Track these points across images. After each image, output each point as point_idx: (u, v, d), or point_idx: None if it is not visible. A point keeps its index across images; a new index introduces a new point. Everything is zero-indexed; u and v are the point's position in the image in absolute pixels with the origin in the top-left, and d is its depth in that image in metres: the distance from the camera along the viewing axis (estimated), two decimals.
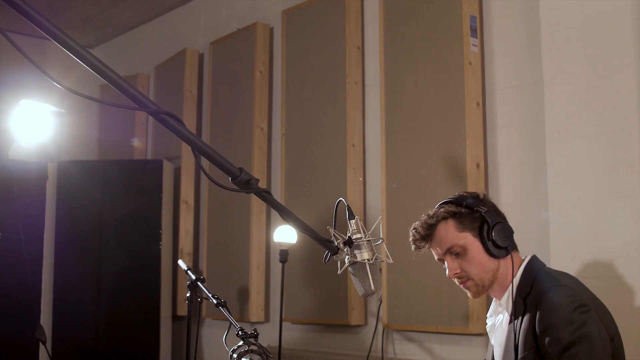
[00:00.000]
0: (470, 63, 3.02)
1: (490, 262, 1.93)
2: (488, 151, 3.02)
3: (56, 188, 4.47)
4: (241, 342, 2.50)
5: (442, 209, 1.98)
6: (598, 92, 2.54)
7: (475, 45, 3.04)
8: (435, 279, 3.05)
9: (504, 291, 1.94)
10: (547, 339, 1.76)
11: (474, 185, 2.94)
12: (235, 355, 2.48)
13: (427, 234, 2.01)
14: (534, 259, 1.96)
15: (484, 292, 1.98)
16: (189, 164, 4.67)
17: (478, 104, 3.02)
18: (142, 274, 4.45)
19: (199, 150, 1.61)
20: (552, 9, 2.69)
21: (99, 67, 1.42)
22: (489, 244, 1.91)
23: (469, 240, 1.94)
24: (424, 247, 2.03)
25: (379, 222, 1.74)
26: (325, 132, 3.69)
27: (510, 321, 1.89)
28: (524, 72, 2.93)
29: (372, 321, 3.40)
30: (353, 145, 3.55)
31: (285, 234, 3.18)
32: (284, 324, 3.42)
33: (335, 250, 2.01)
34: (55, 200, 4.46)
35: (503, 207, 2.89)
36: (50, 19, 1.32)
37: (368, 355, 3.29)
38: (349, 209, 2.01)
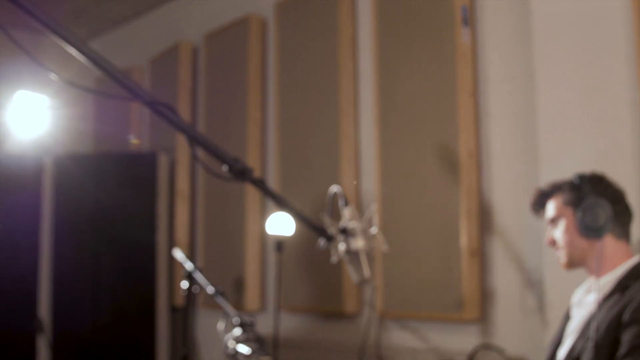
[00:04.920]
0: (462, 53, 3.04)
1: (580, 241, 1.99)
2: (481, 141, 3.05)
3: (53, 182, 4.48)
4: (238, 331, 2.53)
5: (560, 184, 2.10)
6: (590, 82, 2.57)
7: (467, 35, 3.06)
8: (430, 267, 3.09)
9: (599, 274, 1.97)
10: (627, 332, 1.75)
11: (467, 175, 2.97)
12: (231, 344, 2.51)
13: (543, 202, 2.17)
14: None
15: (573, 267, 2.05)
16: (184, 156, 4.69)
17: (471, 94, 3.04)
18: (139, 266, 4.48)
19: (194, 141, 1.63)
20: None
21: (95, 59, 1.45)
22: (579, 221, 1.93)
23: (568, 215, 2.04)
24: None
25: (373, 211, 1.77)
26: (319, 122, 3.71)
27: (599, 304, 1.90)
28: (516, 62, 2.96)
29: (367, 309, 3.43)
30: (347, 135, 3.58)
31: (278, 226, 3.18)
32: (278, 313, 3.45)
33: (330, 238, 2.05)
34: (52, 194, 4.48)
35: (496, 196, 2.96)
36: (45, 12, 1.35)
37: (363, 344, 3.33)
38: (343, 197, 2.03)
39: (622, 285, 1.90)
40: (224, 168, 1.68)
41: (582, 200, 1.94)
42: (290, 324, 3.83)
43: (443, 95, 3.09)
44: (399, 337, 3.30)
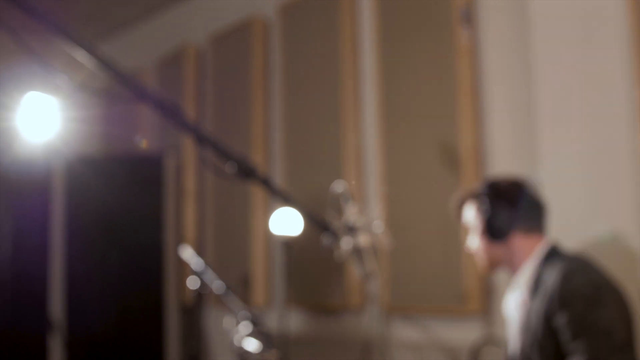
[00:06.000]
0: (463, 52, 3.08)
1: (491, 245, 2.10)
2: (482, 137, 3.09)
3: (63, 184, 4.54)
4: (245, 327, 2.58)
5: (470, 192, 2.22)
6: (588, 79, 2.61)
7: (467, 34, 3.10)
8: (432, 262, 3.13)
9: (516, 271, 2.08)
10: (561, 317, 1.83)
11: (467, 172, 3.02)
12: (239, 339, 2.56)
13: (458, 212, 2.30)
14: (553, 249, 2.06)
15: (491, 270, 2.17)
16: (191, 156, 4.75)
17: (471, 92, 3.08)
18: (148, 266, 4.54)
19: (201, 141, 1.68)
20: None
21: (102, 62, 1.49)
22: (484, 227, 2.09)
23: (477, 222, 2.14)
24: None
25: (376, 207, 1.82)
26: (323, 122, 3.77)
27: (527, 302, 1.98)
28: (515, 60, 2.99)
29: (371, 304, 3.47)
30: (350, 134, 3.62)
31: (283, 222, 3.21)
32: (284, 309, 3.50)
33: (335, 234, 2.09)
34: (62, 196, 4.53)
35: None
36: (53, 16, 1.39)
37: (367, 338, 3.37)
38: (348, 194, 2.08)
39: (537, 274, 1.99)
40: (231, 167, 1.72)
41: (485, 207, 2.07)
42: (296, 319, 3.87)
43: (444, 94, 3.14)
44: (402, 331, 3.34)
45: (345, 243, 2.05)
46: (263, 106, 4.26)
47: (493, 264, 2.15)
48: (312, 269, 3.75)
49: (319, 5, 3.86)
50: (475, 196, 2.15)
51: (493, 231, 2.06)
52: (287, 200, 1.95)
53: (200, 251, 4.73)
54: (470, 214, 2.18)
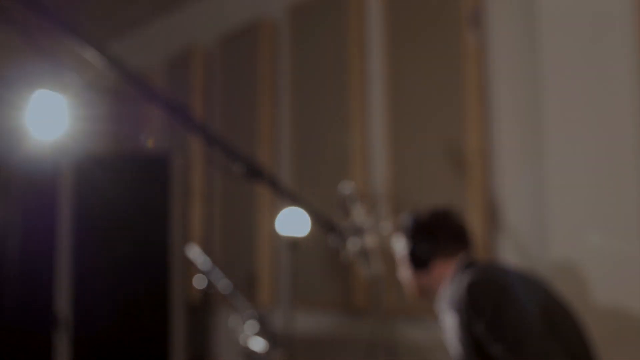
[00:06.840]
0: (471, 53, 3.09)
1: (416, 275, 2.24)
2: (489, 139, 3.09)
3: (71, 182, 4.55)
4: (250, 326, 2.59)
5: (396, 226, 2.37)
6: (596, 80, 2.61)
7: (476, 36, 3.10)
8: None
9: (434, 296, 2.24)
10: (478, 326, 1.93)
11: (475, 172, 3.02)
12: (244, 339, 2.57)
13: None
14: (468, 264, 2.16)
15: (422, 297, 2.31)
16: (198, 156, 4.77)
17: (479, 93, 3.08)
18: (154, 265, 4.54)
19: (208, 141, 1.69)
20: None
21: (112, 61, 1.51)
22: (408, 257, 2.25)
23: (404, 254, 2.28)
24: None
25: (383, 209, 1.84)
26: (331, 122, 3.77)
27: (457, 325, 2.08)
28: (523, 61, 2.99)
29: (378, 305, 3.47)
30: (358, 134, 3.63)
31: (289, 223, 3.22)
32: (290, 308, 3.51)
33: (342, 235, 2.10)
34: (70, 194, 4.54)
35: (504, 193, 2.99)
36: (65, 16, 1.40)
37: (373, 339, 3.37)
38: (355, 195, 2.09)
39: (448, 301, 2.11)
40: (239, 168, 1.73)
41: (407, 239, 2.22)
42: (302, 319, 3.88)
43: (451, 96, 3.14)
44: (408, 332, 3.34)
45: (352, 244, 2.07)
46: (270, 107, 4.27)
47: (421, 292, 2.28)
48: (318, 270, 3.76)
49: (327, 7, 3.86)
50: (399, 229, 2.29)
51: (415, 261, 2.20)
52: (294, 201, 1.96)
53: (206, 250, 4.74)
54: (398, 246, 2.31)
